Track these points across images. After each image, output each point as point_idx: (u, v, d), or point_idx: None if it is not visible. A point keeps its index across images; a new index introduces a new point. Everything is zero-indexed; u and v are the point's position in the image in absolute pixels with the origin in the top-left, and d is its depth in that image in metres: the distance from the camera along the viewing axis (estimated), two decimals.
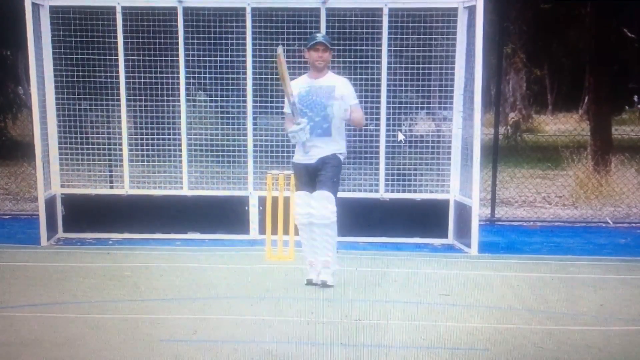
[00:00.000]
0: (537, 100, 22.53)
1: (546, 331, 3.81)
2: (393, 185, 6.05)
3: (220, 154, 6.16)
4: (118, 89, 6.00)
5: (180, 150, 6.10)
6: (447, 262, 5.41)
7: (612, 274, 5.10)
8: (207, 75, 6.05)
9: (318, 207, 4.53)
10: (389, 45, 5.89)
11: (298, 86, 4.63)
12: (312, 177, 4.59)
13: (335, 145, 4.57)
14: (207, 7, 5.92)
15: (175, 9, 5.91)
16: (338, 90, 4.58)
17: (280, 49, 4.69)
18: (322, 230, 4.58)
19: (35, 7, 5.74)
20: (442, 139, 6.15)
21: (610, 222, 7.11)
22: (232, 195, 6.13)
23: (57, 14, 5.88)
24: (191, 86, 6.31)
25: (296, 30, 5.91)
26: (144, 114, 6.09)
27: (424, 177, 6.15)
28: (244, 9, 5.90)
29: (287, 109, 4.66)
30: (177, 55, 5.95)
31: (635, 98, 18.84)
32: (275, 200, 5.37)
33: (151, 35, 5.92)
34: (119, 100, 6.03)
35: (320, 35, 4.84)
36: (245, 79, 6.00)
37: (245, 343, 3.56)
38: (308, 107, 4.57)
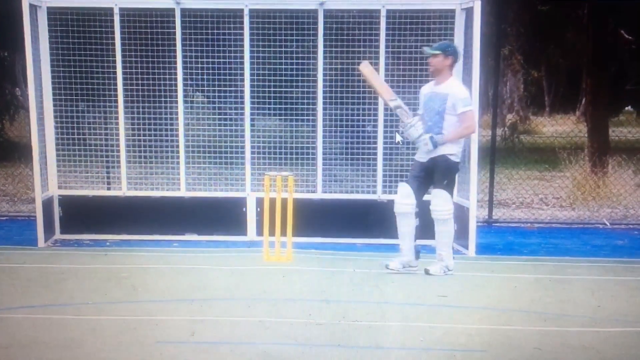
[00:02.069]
0: (535, 102, 22.57)
1: (544, 332, 3.82)
2: (391, 186, 6.05)
3: (217, 155, 6.16)
4: (115, 90, 6.00)
5: (177, 152, 6.10)
6: None
7: (610, 276, 5.11)
8: (205, 77, 6.05)
9: (435, 205, 4.94)
10: (387, 46, 5.90)
11: (424, 91, 5.08)
12: (422, 172, 4.99)
13: (446, 148, 4.88)
14: (204, 9, 5.93)
15: (172, 10, 5.91)
16: (450, 99, 4.88)
17: (362, 65, 5.05)
18: (439, 226, 4.97)
19: (33, 8, 5.74)
20: None
21: (608, 224, 7.12)
22: (229, 197, 6.12)
23: (55, 15, 5.88)
24: (189, 87, 6.31)
25: (294, 32, 5.92)
26: (141, 115, 6.08)
27: None
28: (241, 10, 5.91)
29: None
30: (175, 57, 5.95)
31: (630, 108, 18.78)
32: (272, 201, 5.37)
33: (149, 36, 5.92)
34: (116, 101, 6.03)
35: (435, 44, 5.08)
36: (242, 80, 6.00)
37: (242, 344, 3.55)
38: (426, 111, 4.99)
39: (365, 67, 5.01)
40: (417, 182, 4.99)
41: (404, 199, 4.99)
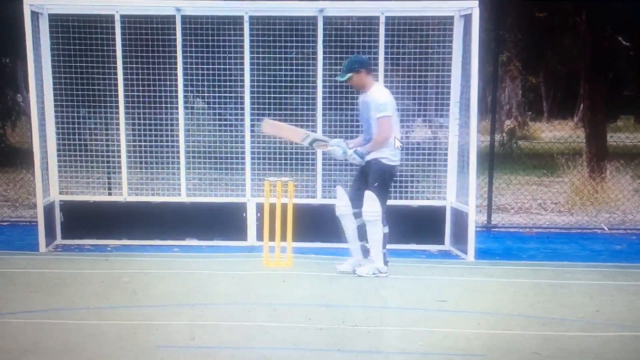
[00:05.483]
0: (533, 108, 22.60)
1: (542, 337, 3.84)
2: (390, 191, 6.07)
3: (218, 160, 6.19)
4: (117, 96, 6.04)
5: (178, 157, 6.13)
6: (444, 269, 5.44)
7: (608, 280, 5.13)
8: (205, 83, 6.09)
9: (365, 206, 5.01)
10: (386, 53, 5.94)
11: (359, 101, 5.20)
12: (360, 175, 5.16)
13: (378, 153, 5.02)
14: (205, 16, 5.97)
15: (173, 17, 5.95)
16: (371, 105, 5.00)
17: (264, 127, 5.30)
18: (367, 227, 5.06)
19: (35, 15, 5.78)
20: (439, 146, 6.19)
21: (606, 229, 7.14)
22: (229, 202, 6.15)
23: (56, 22, 5.91)
24: (189, 93, 6.34)
25: (293, 39, 5.96)
26: (142, 121, 6.12)
27: (420, 183, 6.18)
28: (241, 18, 5.95)
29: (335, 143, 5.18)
30: (175, 63, 5.99)
31: None
32: (272, 206, 5.40)
33: (149, 43, 5.96)
34: (117, 107, 6.06)
35: (343, 67, 5.16)
36: (242, 86, 6.04)
37: (242, 349, 3.57)
38: (361, 120, 5.19)
39: (267, 127, 5.29)
40: (357, 185, 5.16)
41: (339, 201, 5.19)
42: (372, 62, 5.90)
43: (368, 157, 5.04)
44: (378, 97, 5.01)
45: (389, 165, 5.05)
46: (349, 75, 5.03)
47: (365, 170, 5.09)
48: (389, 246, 5.73)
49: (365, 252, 5.19)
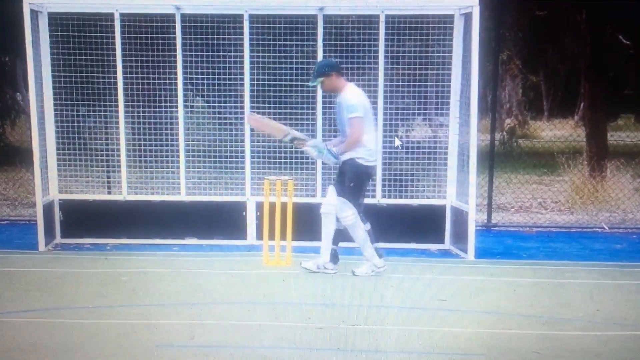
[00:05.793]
0: (533, 106, 22.60)
1: (542, 336, 3.84)
2: (390, 190, 6.08)
3: (217, 159, 6.19)
4: (116, 94, 6.03)
5: (177, 156, 6.12)
6: (444, 268, 5.43)
7: (608, 279, 5.13)
8: (205, 82, 6.08)
9: (339, 213, 5.03)
10: (386, 51, 5.93)
11: (336, 103, 5.19)
12: (340, 178, 5.14)
13: (354, 153, 5.00)
14: (204, 14, 5.96)
15: (173, 15, 5.95)
16: (343, 107, 5.00)
17: (248, 120, 5.39)
18: (350, 230, 5.07)
19: (34, 13, 5.77)
20: (439, 145, 6.18)
21: (606, 228, 7.14)
22: (229, 201, 6.14)
23: (56, 20, 5.91)
24: (189, 92, 6.33)
25: (293, 37, 5.96)
26: (141, 120, 6.11)
27: (420, 182, 6.18)
28: (241, 16, 5.94)
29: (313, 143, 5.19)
30: (175, 62, 5.98)
31: None
32: (272, 205, 5.40)
33: (149, 41, 5.96)
34: (117, 106, 6.05)
35: (313, 72, 5.16)
36: (242, 85, 6.03)
37: (242, 348, 3.57)
38: (337, 121, 5.18)
39: (251, 121, 5.34)
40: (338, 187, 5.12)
41: (327, 200, 5.14)
42: (373, 62, 5.93)
43: (344, 157, 5.02)
44: (349, 98, 4.99)
45: (365, 166, 5.02)
46: (320, 79, 5.04)
47: (342, 170, 5.08)
48: (387, 245, 5.73)
49: (335, 258, 5.16)
